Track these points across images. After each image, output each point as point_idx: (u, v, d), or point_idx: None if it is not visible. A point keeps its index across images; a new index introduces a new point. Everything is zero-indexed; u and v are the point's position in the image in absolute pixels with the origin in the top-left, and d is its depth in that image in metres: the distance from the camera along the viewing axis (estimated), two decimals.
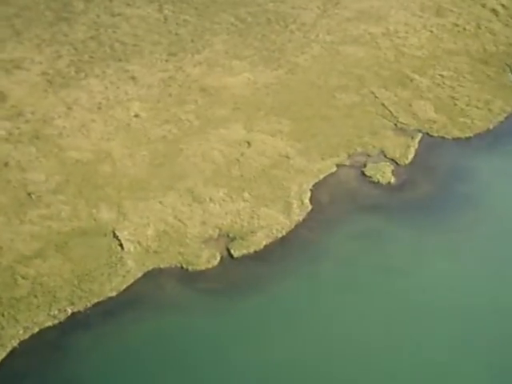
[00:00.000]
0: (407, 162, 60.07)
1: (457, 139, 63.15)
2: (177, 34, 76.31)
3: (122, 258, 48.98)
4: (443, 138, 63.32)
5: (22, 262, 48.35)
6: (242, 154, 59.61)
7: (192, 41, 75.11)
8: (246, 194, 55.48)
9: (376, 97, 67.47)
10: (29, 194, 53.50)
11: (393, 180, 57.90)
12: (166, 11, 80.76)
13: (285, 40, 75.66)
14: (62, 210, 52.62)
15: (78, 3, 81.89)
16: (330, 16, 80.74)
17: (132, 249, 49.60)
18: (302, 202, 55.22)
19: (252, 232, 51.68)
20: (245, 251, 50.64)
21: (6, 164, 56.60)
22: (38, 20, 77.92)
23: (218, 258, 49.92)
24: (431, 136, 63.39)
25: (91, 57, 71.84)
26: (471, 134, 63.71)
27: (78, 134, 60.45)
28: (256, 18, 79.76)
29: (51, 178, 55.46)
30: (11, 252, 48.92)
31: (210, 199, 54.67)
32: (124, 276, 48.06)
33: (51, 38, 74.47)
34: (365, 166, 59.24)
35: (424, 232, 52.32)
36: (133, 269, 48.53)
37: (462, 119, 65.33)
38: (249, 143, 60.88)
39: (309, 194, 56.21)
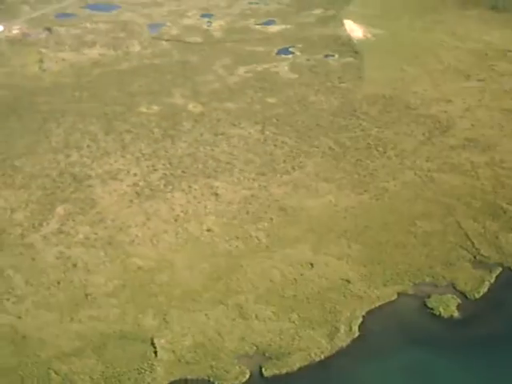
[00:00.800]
0: (478, 296, 59.35)
1: None
2: (271, 155, 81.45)
3: (152, 365, 52.45)
4: None
5: (59, 358, 53.47)
6: (302, 275, 62.01)
7: (284, 161, 79.86)
8: (294, 315, 57.37)
9: (460, 227, 67.64)
10: (86, 295, 59.39)
11: (456, 314, 57.04)
12: (268, 132, 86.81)
13: (379, 165, 78.27)
14: (111, 313, 57.55)
15: (187, 122, 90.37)
16: (434, 143, 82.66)
17: (165, 357, 53.04)
18: (351, 329, 56.13)
19: (289, 353, 53.44)
20: (276, 371, 52.27)
21: (75, 265, 63.65)
22: (146, 136, 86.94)
23: (247, 376, 51.77)
24: None
25: (183, 171, 78.55)
26: None
27: (148, 242, 66.23)
28: (355, 143, 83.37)
29: (110, 282, 61.13)
30: (53, 347, 54.44)
31: (256, 316, 57.24)
32: (149, 383, 51.14)
33: (152, 153, 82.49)
34: (429, 296, 59.02)
35: (475, 372, 50.63)
36: (160, 377, 51.68)
37: None
38: (312, 265, 63.29)
39: (360, 321, 56.89)
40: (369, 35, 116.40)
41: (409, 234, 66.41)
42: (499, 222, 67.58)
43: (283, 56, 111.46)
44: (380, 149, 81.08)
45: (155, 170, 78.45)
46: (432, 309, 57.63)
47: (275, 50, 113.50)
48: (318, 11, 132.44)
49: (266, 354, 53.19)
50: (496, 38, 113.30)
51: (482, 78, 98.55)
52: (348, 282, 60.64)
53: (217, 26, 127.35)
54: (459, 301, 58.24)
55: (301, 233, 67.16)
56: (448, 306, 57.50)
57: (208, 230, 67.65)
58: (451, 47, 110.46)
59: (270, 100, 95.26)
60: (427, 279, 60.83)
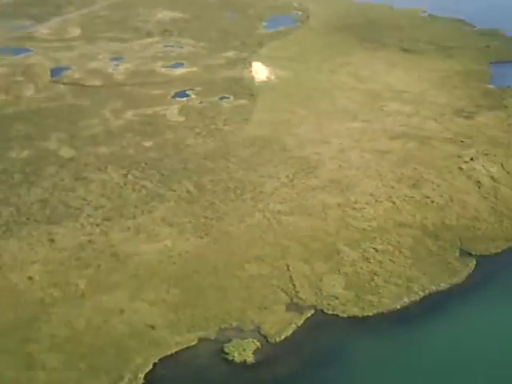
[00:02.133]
0: (279, 339, 60.64)
1: (352, 318, 63.08)
2: (125, 199, 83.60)
3: None
4: (337, 316, 62.89)
5: None
6: (107, 322, 63.67)
7: (135, 206, 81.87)
8: (83, 363, 59.29)
9: (288, 269, 69.30)
10: None
11: (250, 358, 58.22)
12: (130, 176, 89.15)
13: (230, 208, 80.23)
14: None
15: (52, 168, 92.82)
16: (294, 185, 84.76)
17: None
18: (136, 376, 57.38)
19: None
20: None
21: None
22: (3, 182, 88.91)
23: None
24: (325, 313, 63.40)
25: (28, 218, 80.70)
26: (370, 313, 63.27)
27: None
28: (215, 186, 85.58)
29: None
30: None
31: (43, 366, 60.51)
32: None
33: (2, 200, 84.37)
34: (229, 341, 60.21)
35: None
36: None
37: (370, 296, 65.28)
38: (122, 311, 64.45)
39: (149, 368, 57.86)
40: (272, 77, 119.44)
41: (234, 278, 67.79)
42: (330, 264, 69.19)
43: (177, 99, 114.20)
44: (238, 191, 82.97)
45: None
46: (227, 354, 58.86)
47: (172, 93, 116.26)
48: (230, 53, 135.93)
49: None
50: (397, 78, 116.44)
51: (368, 119, 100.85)
52: (152, 328, 61.88)
53: (122, 69, 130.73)
54: (258, 345, 59.11)
55: (124, 279, 68.66)
56: (244, 351, 58.73)
57: (29, 278, 68.99)
58: (349, 89, 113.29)
59: (146, 144, 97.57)
60: (235, 324, 62.14)
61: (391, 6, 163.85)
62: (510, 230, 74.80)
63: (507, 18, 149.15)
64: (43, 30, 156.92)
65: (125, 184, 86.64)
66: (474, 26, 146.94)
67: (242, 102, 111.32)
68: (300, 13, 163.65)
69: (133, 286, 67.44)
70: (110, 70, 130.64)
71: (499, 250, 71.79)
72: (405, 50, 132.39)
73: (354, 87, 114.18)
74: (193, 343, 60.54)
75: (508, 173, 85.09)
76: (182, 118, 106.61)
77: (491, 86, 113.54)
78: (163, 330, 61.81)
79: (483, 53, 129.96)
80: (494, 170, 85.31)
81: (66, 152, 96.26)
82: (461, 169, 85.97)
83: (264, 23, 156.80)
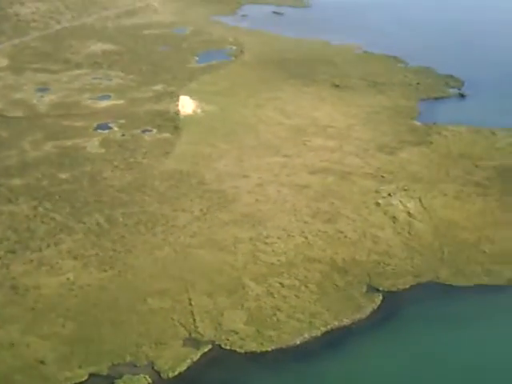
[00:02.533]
0: (172, 375, 60.56)
1: (249, 353, 63.12)
2: (33, 231, 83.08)
3: None
4: (234, 351, 62.94)
5: None
6: None
7: (42, 239, 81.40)
8: None
9: (190, 304, 69.38)
10: None
11: None
12: (41, 208, 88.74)
13: (140, 242, 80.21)
14: None
15: None
16: (208, 219, 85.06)
17: None
18: None
19: None
20: None
21: None
22: None
23: None
24: (222, 348, 63.37)
25: None
26: (269, 349, 63.48)
27: None
28: (128, 219, 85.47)
29: None
30: None
31: None
32: None
33: None
34: (120, 377, 59.90)
35: None
36: None
37: (270, 332, 65.61)
38: (12, 344, 63.68)
39: None
40: (198, 111, 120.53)
41: (133, 312, 67.83)
42: (233, 299, 69.42)
43: (100, 131, 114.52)
44: (149, 225, 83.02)
45: None
46: None
47: (94, 125, 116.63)
48: (159, 87, 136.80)
49: None
50: (325, 114, 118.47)
51: (289, 154, 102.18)
52: (42, 363, 61.62)
53: (47, 100, 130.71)
54: (150, 380, 59.24)
55: (20, 312, 68.45)
56: None
57: None
58: (275, 123, 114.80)
59: (62, 176, 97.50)
60: (128, 359, 62.14)
61: (328, 42, 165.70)
62: (420, 265, 75.84)
63: (440, 57, 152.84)
64: None
65: (34, 216, 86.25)
66: (407, 63, 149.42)
67: (165, 135, 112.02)
68: (234, 47, 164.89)
69: (28, 320, 67.22)
70: (34, 101, 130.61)
71: (407, 286, 72.86)
72: (336, 86, 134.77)
73: (279, 122, 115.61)
74: (83, 379, 60.28)
75: (425, 208, 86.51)
76: (101, 151, 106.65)
77: (418, 123, 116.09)
78: (53, 365, 61.59)
79: (414, 89, 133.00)
80: (411, 205, 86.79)
81: None
82: (378, 204, 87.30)
83: (197, 57, 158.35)
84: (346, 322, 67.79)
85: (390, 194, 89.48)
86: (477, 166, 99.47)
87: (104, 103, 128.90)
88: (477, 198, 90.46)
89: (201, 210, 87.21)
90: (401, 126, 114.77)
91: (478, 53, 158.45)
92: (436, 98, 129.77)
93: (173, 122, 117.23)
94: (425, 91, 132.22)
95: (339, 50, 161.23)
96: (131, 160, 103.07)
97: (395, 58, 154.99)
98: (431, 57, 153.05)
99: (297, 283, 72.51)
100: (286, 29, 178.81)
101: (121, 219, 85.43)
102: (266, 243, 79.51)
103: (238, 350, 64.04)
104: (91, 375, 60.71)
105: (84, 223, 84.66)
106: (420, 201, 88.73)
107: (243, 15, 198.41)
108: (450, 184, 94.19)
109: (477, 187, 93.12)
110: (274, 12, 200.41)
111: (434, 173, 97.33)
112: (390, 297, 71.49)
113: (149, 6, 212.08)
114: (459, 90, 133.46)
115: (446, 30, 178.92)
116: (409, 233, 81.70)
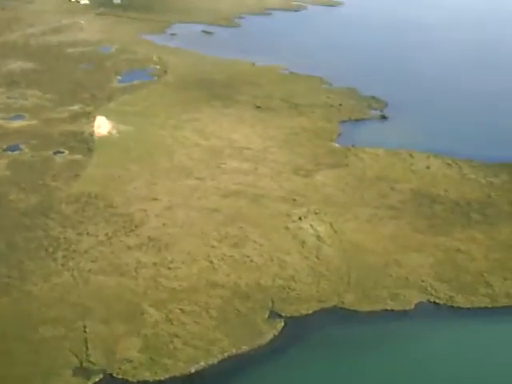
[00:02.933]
0: None
1: (142, 382, 63.19)
2: None
3: None
4: (127, 380, 62.46)
5: None
6: None
7: None
8: None
9: (85, 331, 68.45)
10: None
11: None
12: None
13: (38, 267, 79.25)
14: None
15: None
16: (112, 244, 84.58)
17: None
18: None
19: None
20: None
21: None
22: None
23: None
24: (114, 378, 62.89)
25: None
26: (163, 378, 63.49)
27: None
28: (29, 244, 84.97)
29: None
30: None
31: None
32: None
33: None
34: None
35: None
36: None
37: (165, 360, 65.76)
38: None
39: None
40: (114, 132, 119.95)
41: (23, 341, 67.79)
42: (130, 326, 69.50)
43: (9, 153, 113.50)
44: (51, 249, 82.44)
45: None
46: None
47: (4, 147, 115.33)
48: (76, 107, 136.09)
49: None
50: (243, 135, 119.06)
51: (202, 177, 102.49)
52: None
53: None
54: None
55: None
56: None
57: None
58: (191, 145, 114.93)
59: None
60: None
61: (254, 63, 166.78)
62: (326, 290, 76.48)
63: (365, 78, 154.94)
64: None
65: None
66: (332, 84, 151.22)
67: (77, 156, 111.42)
68: (158, 67, 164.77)
69: None
70: None
71: (310, 311, 73.24)
72: (257, 107, 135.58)
73: (196, 144, 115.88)
74: None
75: (335, 232, 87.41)
76: (8, 173, 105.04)
77: (337, 145, 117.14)
78: None
79: (336, 111, 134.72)
80: (322, 229, 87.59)
81: None
82: (287, 228, 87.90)
83: (119, 77, 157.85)
84: (245, 348, 67.73)
85: (300, 218, 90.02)
86: (392, 189, 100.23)
87: (17, 123, 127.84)
88: (389, 221, 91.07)
89: (106, 233, 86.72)
90: (319, 148, 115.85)
91: (404, 75, 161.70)
92: (357, 120, 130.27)
93: (86, 144, 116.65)
94: (346, 113, 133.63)
95: (265, 70, 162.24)
96: (39, 182, 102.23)
97: (321, 79, 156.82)
98: (356, 78, 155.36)
99: (197, 309, 72.45)
100: (214, 48, 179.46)
101: (21, 244, 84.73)
102: (170, 268, 79.21)
103: (130, 379, 63.86)
104: None
105: None
106: (331, 224, 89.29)
107: (172, 34, 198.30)
108: (364, 207, 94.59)
109: (390, 210, 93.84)
110: (204, 31, 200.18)
111: (348, 196, 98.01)
112: (293, 322, 71.96)
113: (76, 23, 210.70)
114: (381, 111, 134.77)
115: (373, 52, 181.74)
116: (317, 257, 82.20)
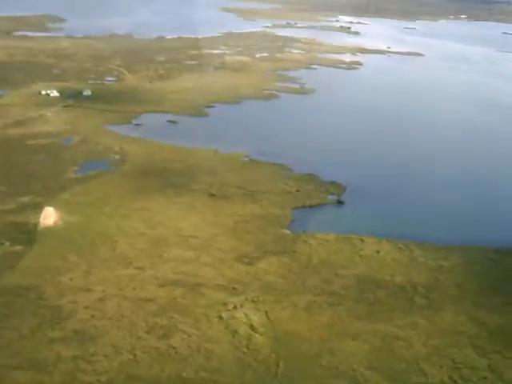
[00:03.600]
0: None
1: None
2: None
3: None
4: None
5: None
6: None
7: None
8: None
9: None
10: None
11: None
12: None
13: None
14: None
15: None
16: (34, 337, 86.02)
17: None
18: None
19: None
20: None
21: None
22: None
23: None
24: None
25: None
26: None
27: None
28: None
29: None
30: None
31: None
32: None
33: None
34: None
35: None
36: None
37: None
38: None
39: None
40: (60, 223, 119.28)
41: None
42: None
43: None
44: None
45: None
46: None
47: None
48: (26, 198, 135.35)
49: None
50: (191, 224, 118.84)
51: (142, 266, 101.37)
52: None
53: None
54: None
55: None
56: None
57: None
58: (136, 234, 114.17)
59: None
60: None
61: (216, 150, 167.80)
62: (251, 382, 74.84)
63: (326, 164, 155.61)
64: None
65: None
66: (292, 171, 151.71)
67: (17, 248, 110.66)
68: (117, 157, 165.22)
69: None
70: None
71: None
72: (211, 195, 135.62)
73: (141, 233, 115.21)
74: None
75: (270, 321, 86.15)
76: None
77: (287, 231, 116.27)
78: None
79: (291, 197, 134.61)
80: (256, 317, 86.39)
81: None
82: (221, 317, 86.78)
83: (76, 167, 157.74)
84: None
85: (235, 307, 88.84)
86: (336, 275, 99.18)
87: None
88: (328, 308, 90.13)
89: (29, 327, 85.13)
90: (268, 235, 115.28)
91: (365, 160, 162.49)
92: (312, 206, 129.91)
93: (29, 235, 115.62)
94: (302, 198, 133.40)
95: (226, 158, 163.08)
96: None
97: (281, 165, 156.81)
98: (318, 163, 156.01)
99: None
100: (178, 138, 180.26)
101: None
102: (90, 361, 77.71)
103: None
104: None
105: None
106: (266, 313, 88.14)
107: (137, 124, 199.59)
108: (304, 294, 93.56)
109: (331, 297, 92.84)
110: (169, 121, 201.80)
111: (290, 283, 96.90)
112: None
113: (42, 116, 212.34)
114: (338, 196, 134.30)
115: (338, 137, 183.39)
116: (247, 347, 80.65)
